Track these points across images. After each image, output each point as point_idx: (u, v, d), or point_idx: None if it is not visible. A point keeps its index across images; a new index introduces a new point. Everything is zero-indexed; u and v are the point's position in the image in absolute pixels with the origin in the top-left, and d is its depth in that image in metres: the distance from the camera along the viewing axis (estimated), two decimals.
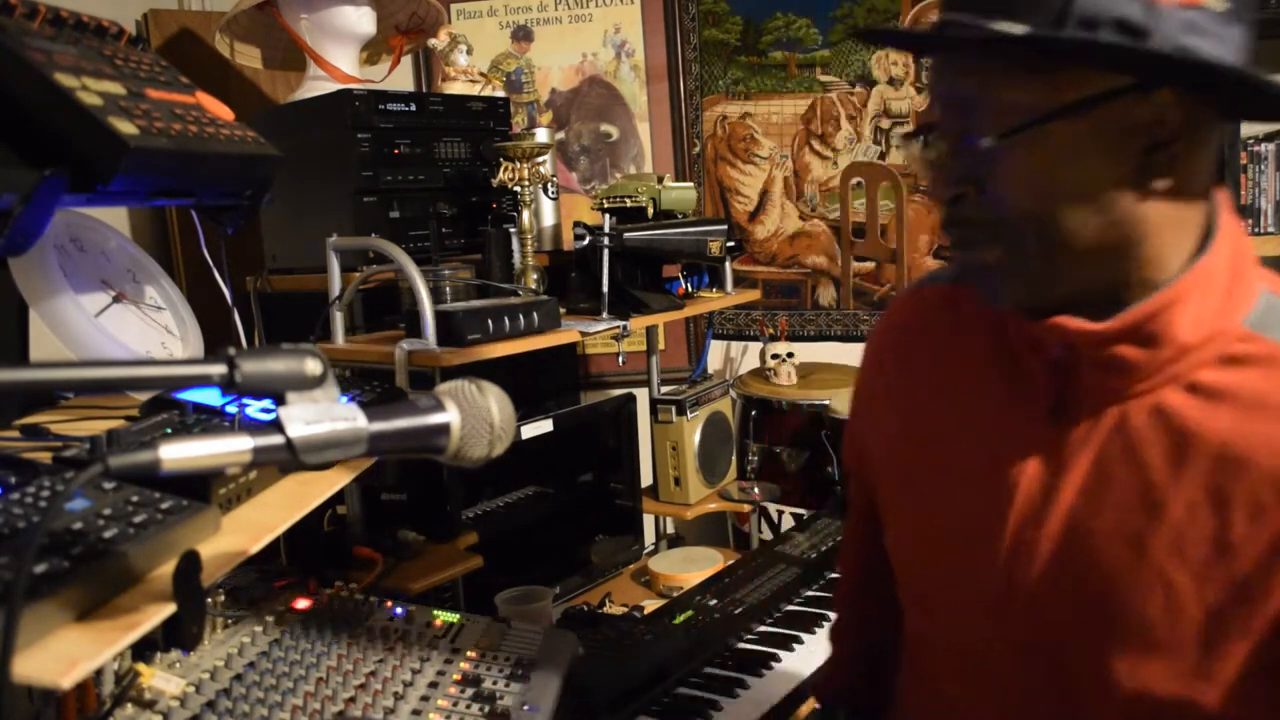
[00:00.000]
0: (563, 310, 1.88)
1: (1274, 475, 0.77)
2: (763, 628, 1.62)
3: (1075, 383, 0.85)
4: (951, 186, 0.84)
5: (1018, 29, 0.74)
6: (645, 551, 2.31)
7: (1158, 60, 0.74)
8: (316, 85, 2.14)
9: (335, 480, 1.02)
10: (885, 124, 2.79)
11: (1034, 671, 0.89)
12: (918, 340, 1.01)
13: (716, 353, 3.03)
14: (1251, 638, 0.78)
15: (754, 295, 2.62)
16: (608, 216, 1.97)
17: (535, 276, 1.97)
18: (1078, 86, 0.76)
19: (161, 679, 0.88)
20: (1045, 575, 0.87)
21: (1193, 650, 0.80)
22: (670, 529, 2.55)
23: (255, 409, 1.02)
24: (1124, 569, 0.82)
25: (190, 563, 0.75)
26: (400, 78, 2.60)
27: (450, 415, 0.72)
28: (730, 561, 1.96)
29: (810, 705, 1.48)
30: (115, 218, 2.22)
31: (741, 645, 1.56)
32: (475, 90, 2.21)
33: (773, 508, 2.34)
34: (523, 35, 2.90)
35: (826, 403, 2.32)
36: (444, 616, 1.15)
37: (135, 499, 0.80)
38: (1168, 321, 0.80)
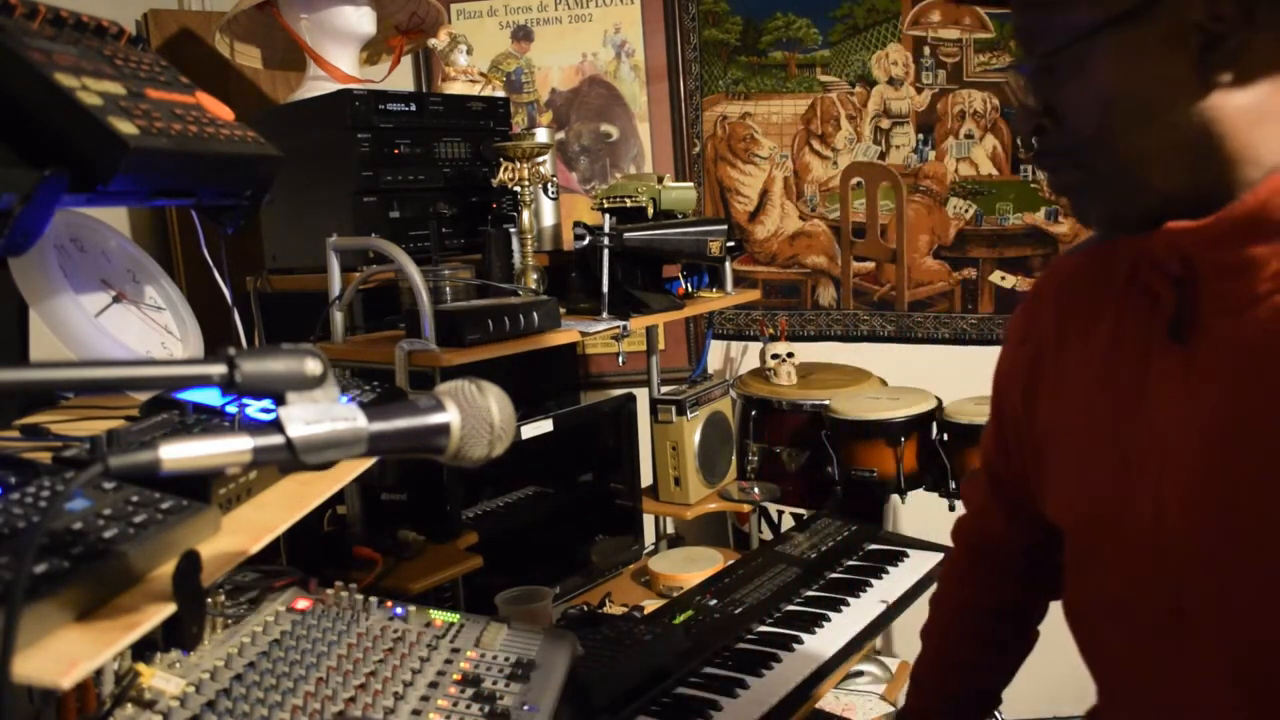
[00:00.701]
0: (563, 310, 1.88)
1: None
2: (763, 628, 1.62)
3: (1198, 295, 0.83)
4: (1030, 121, 0.86)
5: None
6: (645, 551, 2.31)
7: None
8: (316, 85, 2.14)
9: (335, 480, 1.02)
10: (885, 124, 2.79)
11: (1191, 625, 0.85)
12: (1060, 307, 1.02)
13: (716, 353, 3.03)
14: None
15: (754, 295, 2.62)
16: (608, 216, 1.97)
17: (535, 276, 1.97)
18: (1107, 2, 0.77)
19: (161, 679, 0.88)
20: (1189, 512, 0.84)
21: None
22: (670, 529, 2.55)
23: (255, 409, 1.02)
24: (1272, 496, 0.77)
25: (190, 563, 0.75)
26: (400, 78, 2.60)
27: (450, 415, 0.72)
28: (730, 561, 1.96)
29: (810, 705, 1.48)
30: (115, 218, 2.22)
31: (741, 645, 1.56)
32: (475, 90, 2.21)
33: (773, 508, 2.34)
34: (523, 35, 2.90)
35: (826, 403, 2.33)
36: (444, 616, 1.15)
37: (135, 499, 0.80)
38: (1264, 216, 0.77)
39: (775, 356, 2.55)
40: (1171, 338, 0.85)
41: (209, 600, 1.03)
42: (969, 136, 2.75)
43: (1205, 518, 0.83)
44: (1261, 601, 0.80)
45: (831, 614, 1.66)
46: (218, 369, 0.63)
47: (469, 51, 2.24)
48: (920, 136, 2.77)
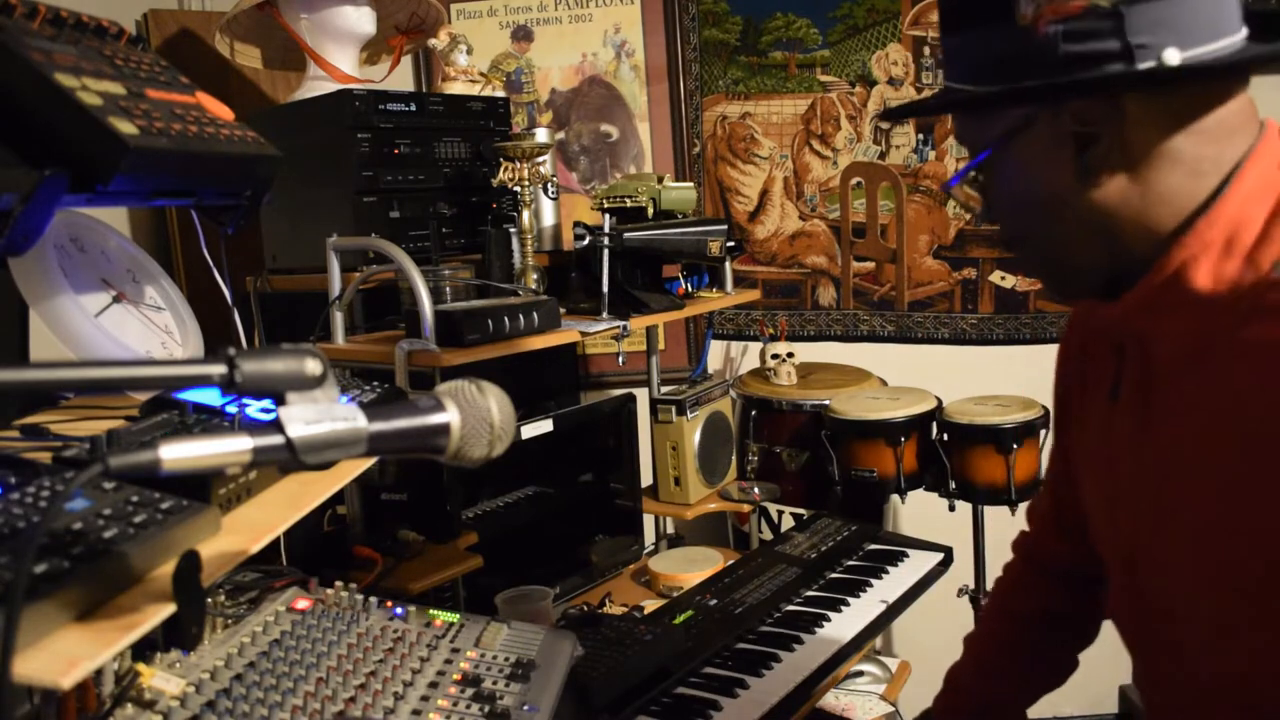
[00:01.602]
0: (563, 310, 1.88)
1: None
2: (763, 628, 1.61)
3: (1142, 359, 0.91)
4: (979, 216, 1.01)
5: (926, 94, 0.88)
6: (645, 551, 2.31)
7: (1034, 91, 0.83)
8: (316, 85, 2.14)
9: (335, 480, 1.02)
10: (885, 124, 2.79)
11: (1152, 642, 0.98)
12: (1074, 341, 1.12)
13: (716, 353, 3.03)
14: None
15: (754, 295, 2.62)
16: (608, 216, 1.97)
17: (535, 276, 1.97)
18: (1002, 121, 0.88)
19: (161, 679, 0.88)
20: (1139, 545, 0.95)
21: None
22: (670, 529, 2.55)
23: (255, 409, 1.02)
24: (1197, 529, 0.86)
25: (190, 563, 0.75)
26: (400, 78, 2.60)
27: (450, 415, 0.72)
28: (730, 561, 1.96)
29: (810, 705, 1.48)
30: (115, 218, 2.22)
31: (741, 645, 1.56)
32: (475, 90, 2.21)
33: (773, 508, 2.34)
34: (523, 35, 2.90)
35: (826, 403, 2.33)
36: (444, 616, 1.15)
37: (135, 499, 0.80)
38: (1176, 285, 0.84)
39: (775, 356, 2.55)
40: (1110, 399, 0.96)
41: (209, 600, 1.03)
42: None
43: (1169, 556, 0.91)
44: (1218, 641, 0.89)
45: (831, 614, 1.66)
46: (218, 369, 0.63)
47: (469, 51, 2.24)
48: (920, 136, 2.77)
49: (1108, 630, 3.13)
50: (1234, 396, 0.80)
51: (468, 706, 0.97)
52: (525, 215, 1.94)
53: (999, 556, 2.31)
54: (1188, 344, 0.85)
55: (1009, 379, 2.60)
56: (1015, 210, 0.92)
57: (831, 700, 1.81)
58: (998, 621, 1.35)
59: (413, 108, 1.97)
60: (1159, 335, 0.87)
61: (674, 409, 2.28)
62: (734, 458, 2.47)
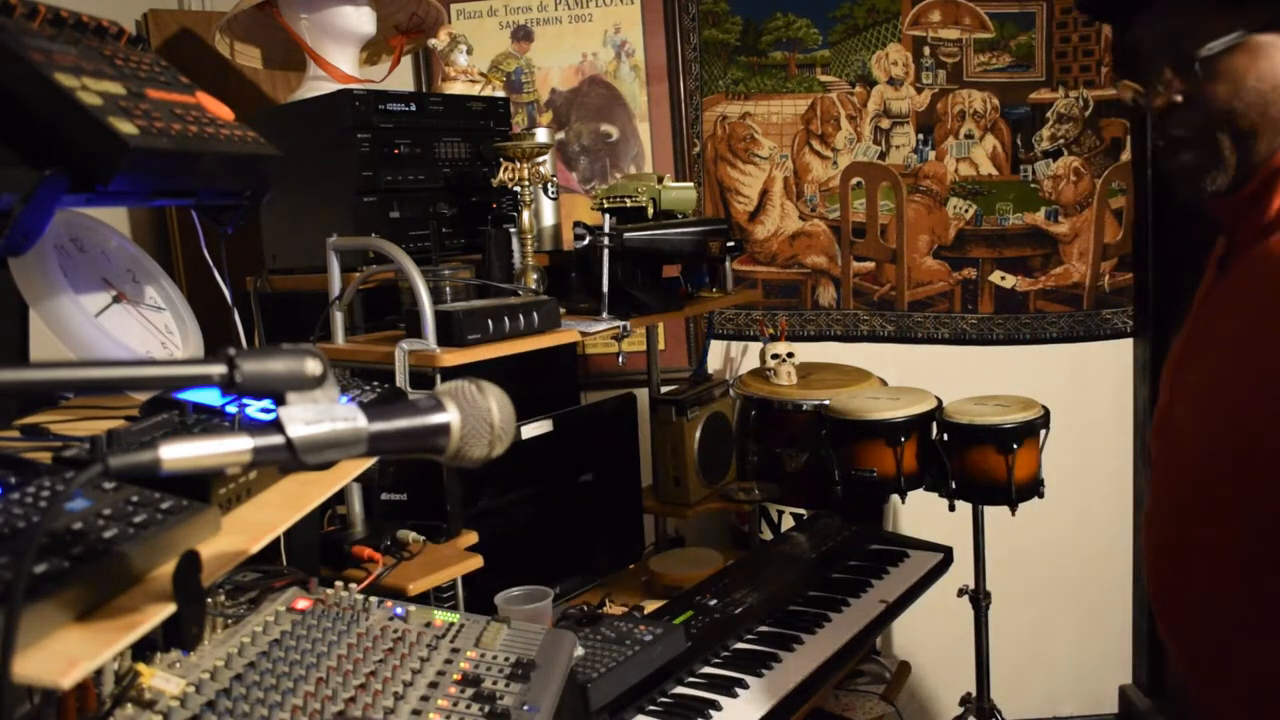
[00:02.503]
0: (563, 310, 1.88)
1: None
2: (763, 628, 1.62)
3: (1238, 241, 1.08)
4: (1166, 96, 1.06)
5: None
6: (645, 551, 2.31)
7: None
8: (316, 85, 2.14)
9: (335, 480, 1.02)
10: (885, 124, 2.79)
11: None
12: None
13: (716, 353, 3.03)
14: None
15: (754, 295, 2.62)
16: (608, 216, 1.97)
17: (535, 276, 1.97)
18: (1265, 10, 0.99)
19: (161, 679, 0.88)
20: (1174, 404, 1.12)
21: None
22: (670, 529, 2.55)
23: (255, 409, 1.02)
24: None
25: (190, 563, 0.75)
26: (400, 78, 2.60)
27: (450, 415, 0.72)
28: (730, 561, 1.96)
29: (810, 705, 1.48)
30: (115, 218, 2.22)
31: (741, 645, 1.56)
32: (475, 90, 2.21)
33: (773, 508, 2.34)
34: (523, 35, 2.90)
35: (826, 403, 2.33)
36: (444, 616, 1.15)
37: (135, 499, 0.80)
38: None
39: (775, 356, 2.55)
40: (1219, 269, 1.11)
41: (209, 600, 1.03)
42: (969, 136, 2.75)
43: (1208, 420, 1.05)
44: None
45: (831, 614, 1.66)
46: (218, 369, 0.63)
47: (469, 51, 2.24)
48: (920, 136, 2.77)
49: (1107, 630, 3.14)
50: (1253, 294, 1.01)
51: (468, 706, 0.97)
52: (525, 215, 1.94)
53: (999, 556, 2.32)
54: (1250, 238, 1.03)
55: (1009, 379, 2.60)
56: (1233, 95, 1.01)
57: (831, 700, 1.81)
58: None
59: (413, 108, 1.97)
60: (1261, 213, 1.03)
61: (674, 409, 2.28)
62: (734, 458, 2.48)
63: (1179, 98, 1.06)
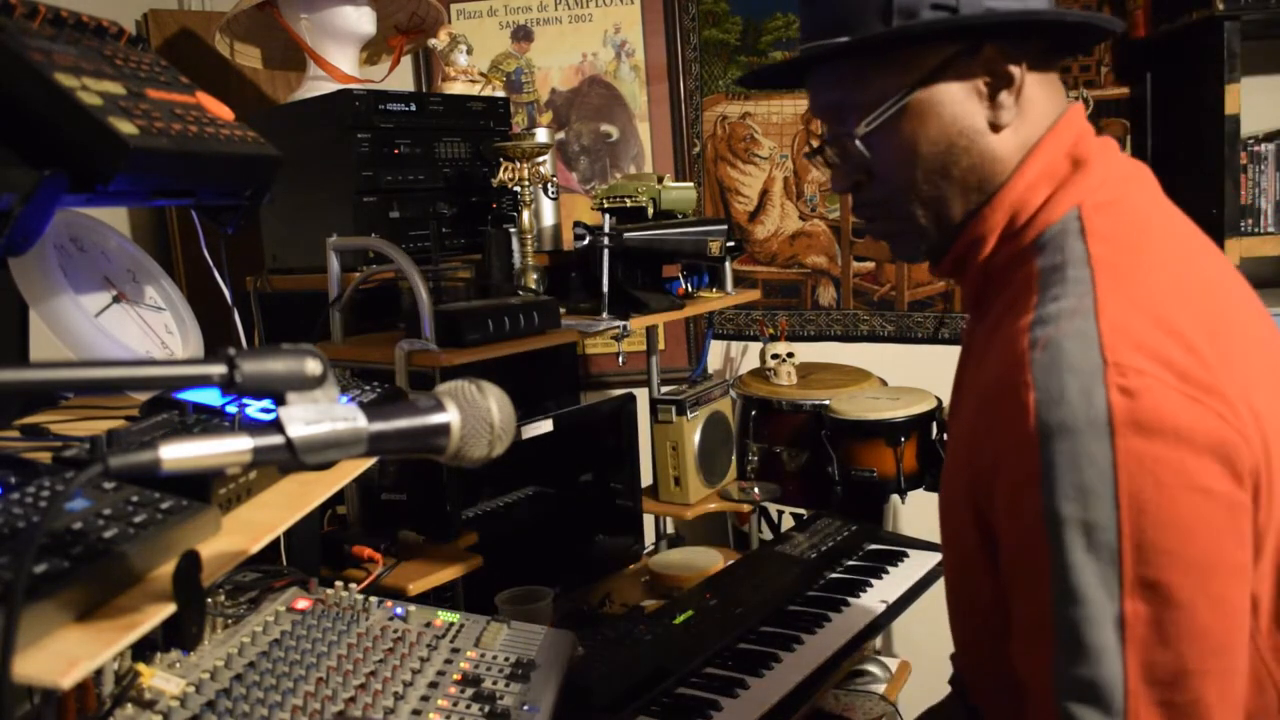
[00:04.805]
0: (563, 310, 1.88)
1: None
2: (763, 628, 1.61)
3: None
4: (848, 180, 1.01)
5: (843, 38, 0.92)
6: (645, 551, 2.31)
7: (969, 25, 0.89)
8: (316, 85, 2.14)
9: (335, 480, 1.02)
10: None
11: None
12: None
13: (716, 353, 3.03)
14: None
15: (754, 295, 2.62)
16: (608, 216, 1.97)
17: (535, 276, 1.97)
18: (919, 66, 0.92)
19: (161, 679, 0.88)
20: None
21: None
22: (670, 529, 2.55)
23: (255, 409, 1.02)
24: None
25: (190, 563, 0.75)
26: (400, 78, 2.60)
27: (450, 415, 0.72)
28: (730, 561, 1.96)
29: (810, 705, 1.48)
30: (115, 218, 2.22)
31: (741, 645, 1.56)
32: (475, 90, 2.21)
33: (773, 508, 2.34)
34: (523, 35, 2.90)
35: (826, 403, 2.32)
36: (444, 616, 1.15)
37: (135, 499, 0.80)
38: (974, 243, 0.96)
39: (775, 356, 2.55)
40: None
41: (209, 600, 1.03)
42: None
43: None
44: None
45: (831, 614, 1.66)
46: (218, 369, 0.63)
47: (469, 51, 2.24)
48: None
49: None
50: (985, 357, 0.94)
51: (468, 706, 0.97)
52: (525, 215, 1.94)
53: None
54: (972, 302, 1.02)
55: None
56: (909, 161, 0.95)
57: (831, 700, 1.81)
58: None
59: (413, 108, 1.97)
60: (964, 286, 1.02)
61: (674, 409, 2.27)
62: (734, 458, 2.47)
63: (859, 177, 0.99)
